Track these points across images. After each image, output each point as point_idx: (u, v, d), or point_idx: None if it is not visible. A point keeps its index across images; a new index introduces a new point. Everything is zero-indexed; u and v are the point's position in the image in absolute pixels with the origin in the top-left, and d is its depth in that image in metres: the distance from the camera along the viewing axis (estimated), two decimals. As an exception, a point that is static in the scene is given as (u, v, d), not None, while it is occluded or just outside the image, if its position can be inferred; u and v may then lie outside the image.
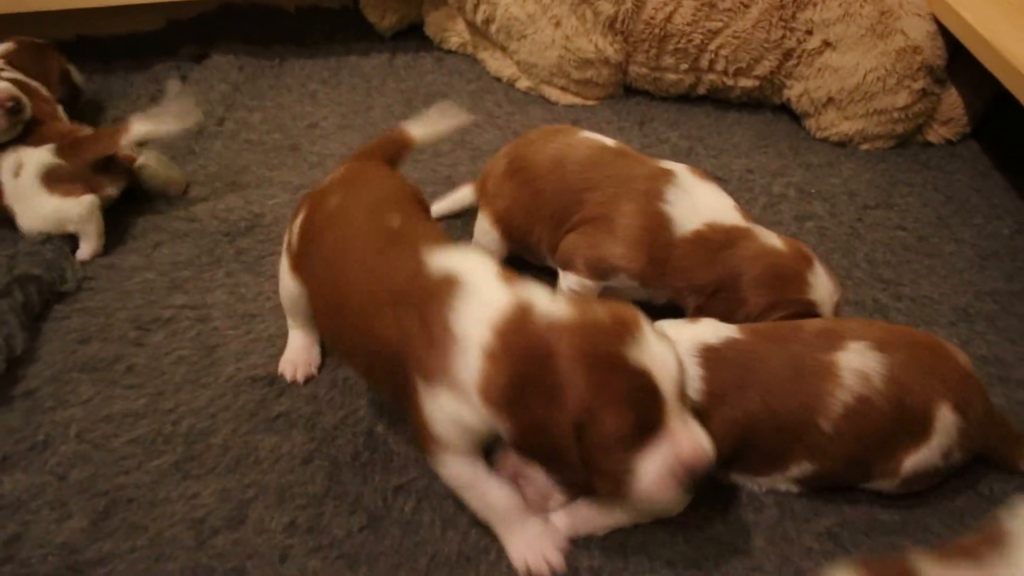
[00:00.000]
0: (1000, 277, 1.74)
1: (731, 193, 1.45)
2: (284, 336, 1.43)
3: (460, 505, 1.16)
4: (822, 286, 1.32)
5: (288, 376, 1.37)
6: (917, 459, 1.13)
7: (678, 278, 1.36)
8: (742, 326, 1.20)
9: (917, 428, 1.13)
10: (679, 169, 1.41)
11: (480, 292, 1.03)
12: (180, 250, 1.67)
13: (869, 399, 1.12)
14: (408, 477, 1.24)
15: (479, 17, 2.16)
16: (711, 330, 1.17)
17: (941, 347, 1.19)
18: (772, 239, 1.35)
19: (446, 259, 1.07)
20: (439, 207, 1.70)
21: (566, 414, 0.95)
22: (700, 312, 1.32)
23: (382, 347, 1.07)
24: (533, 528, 1.12)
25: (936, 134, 2.16)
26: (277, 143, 2.03)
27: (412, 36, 2.48)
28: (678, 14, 2.02)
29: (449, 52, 2.41)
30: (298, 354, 1.39)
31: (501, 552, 1.14)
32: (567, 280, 1.42)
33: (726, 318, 1.23)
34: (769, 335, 1.18)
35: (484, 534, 1.15)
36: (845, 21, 2.02)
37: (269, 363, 1.41)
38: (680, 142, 2.07)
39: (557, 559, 1.11)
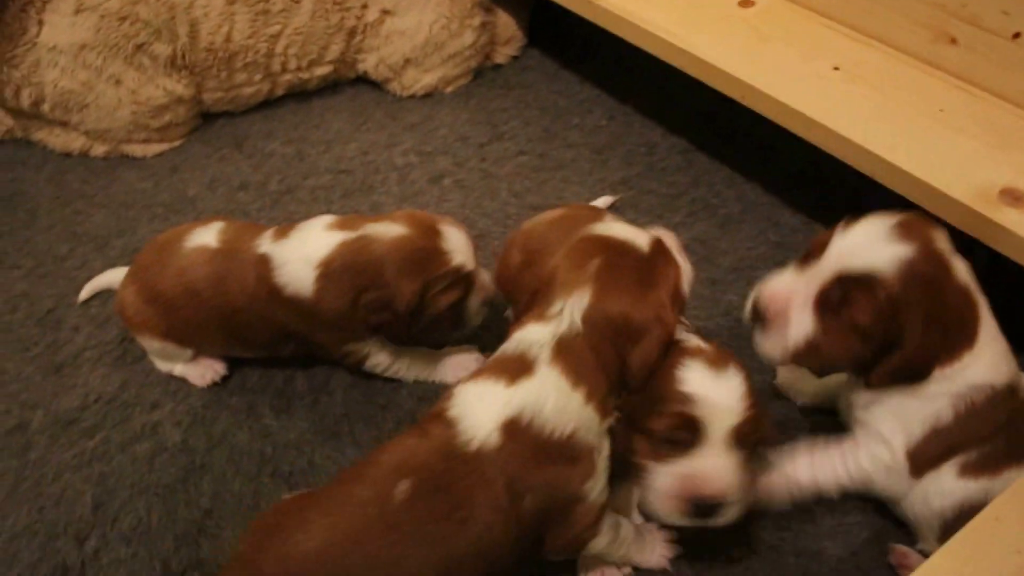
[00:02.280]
0: (620, 165, 2.32)
1: (360, 180, 1.81)
2: (35, 521, 1.58)
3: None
4: (459, 248, 1.61)
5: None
6: None
7: (352, 320, 1.62)
8: None
9: None
10: (268, 246, 1.66)
11: None
12: None
13: None
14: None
15: (25, 102, 2.32)
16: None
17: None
18: (391, 229, 1.60)
19: None
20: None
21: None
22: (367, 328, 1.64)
23: None
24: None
25: (502, 55, 2.72)
26: None
27: None
28: (235, 31, 2.35)
29: (-6, 144, 2.53)
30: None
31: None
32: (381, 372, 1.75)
33: (387, 319, 1.59)
34: None
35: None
36: (395, -15, 2.49)
37: (46, 553, 1.53)
38: (285, 149, 2.42)
39: None
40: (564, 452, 1.26)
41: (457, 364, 1.78)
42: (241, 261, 1.67)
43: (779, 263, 1.94)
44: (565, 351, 1.28)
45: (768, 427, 1.33)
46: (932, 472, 1.37)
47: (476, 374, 1.34)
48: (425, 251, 1.60)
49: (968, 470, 1.35)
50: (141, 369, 1.83)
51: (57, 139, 2.45)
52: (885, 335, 1.30)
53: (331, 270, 1.60)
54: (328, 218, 1.67)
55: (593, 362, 1.29)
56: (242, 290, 1.66)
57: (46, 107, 2.34)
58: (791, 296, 1.36)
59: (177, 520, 1.57)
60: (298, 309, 1.63)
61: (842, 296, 1.30)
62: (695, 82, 2.07)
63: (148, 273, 1.74)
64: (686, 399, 1.28)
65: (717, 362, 1.30)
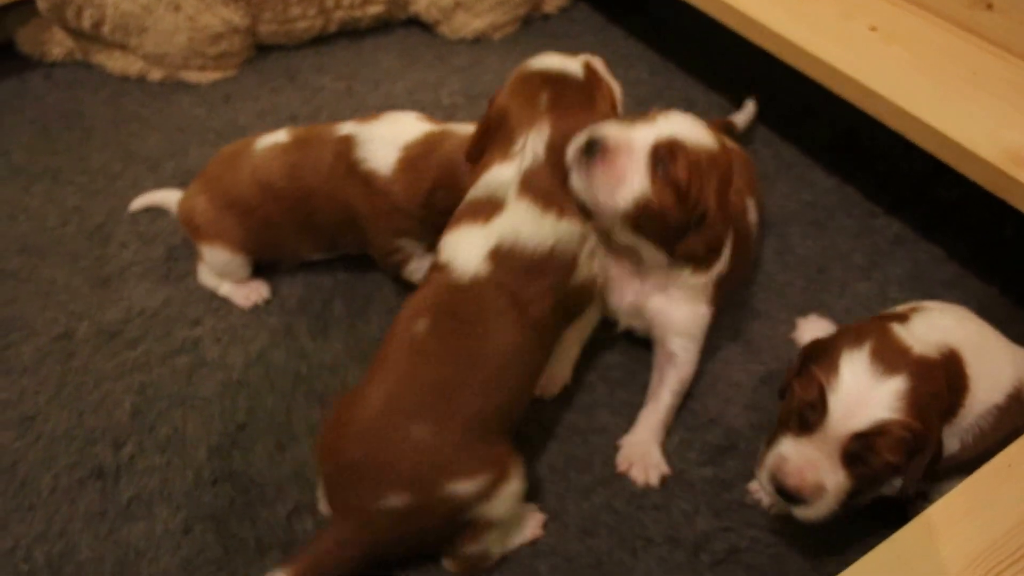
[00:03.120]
0: (658, 118, 2.25)
1: None
2: (74, 425, 1.57)
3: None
4: None
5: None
6: None
7: (420, 211, 1.61)
8: None
9: None
10: (351, 127, 1.67)
11: None
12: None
13: None
14: (292, 501, 1.45)
15: (86, 23, 2.29)
16: None
17: None
18: (467, 128, 1.60)
19: None
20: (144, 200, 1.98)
21: None
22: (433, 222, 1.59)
23: None
24: None
25: (551, 5, 2.66)
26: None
27: (5, 59, 2.50)
28: (296, -35, 2.31)
29: (55, 64, 2.49)
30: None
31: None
32: (418, 270, 1.69)
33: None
34: None
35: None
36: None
37: (83, 456, 1.53)
38: (336, 84, 2.38)
39: None
40: (551, 263, 1.38)
41: None
42: (317, 144, 1.67)
43: (811, 222, 1.93)
44: (530, 183, 1.39)
45: (898, 456, 1.20)
46: None
47: (454, 223, 1.43)
48: None
49: None
50: (185, 287, 1.81)
51: (116, 62, 2.42)
52: (694, 205, 1.37)
53: (413, 155, 1.61)
54: (416, 114, 1.69)
55: (558, 183, 1.39)
56: (316, 170, 1.65)
57: (106, 29, 2.31)
58: (631, 147, 1.36)
59: (211, 432, 1.56)
60: (370, 187, 1.62)
61: (669, 154, 1.35)
62: (737, 43, 2.02)
63: (220, 182, 1.72)
64: (830, 376, 1.23)
65: (886, 361, 1.22)
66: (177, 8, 2.27)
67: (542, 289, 1.37)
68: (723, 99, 2.31)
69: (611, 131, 1.35)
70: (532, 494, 1.46)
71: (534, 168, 1.39)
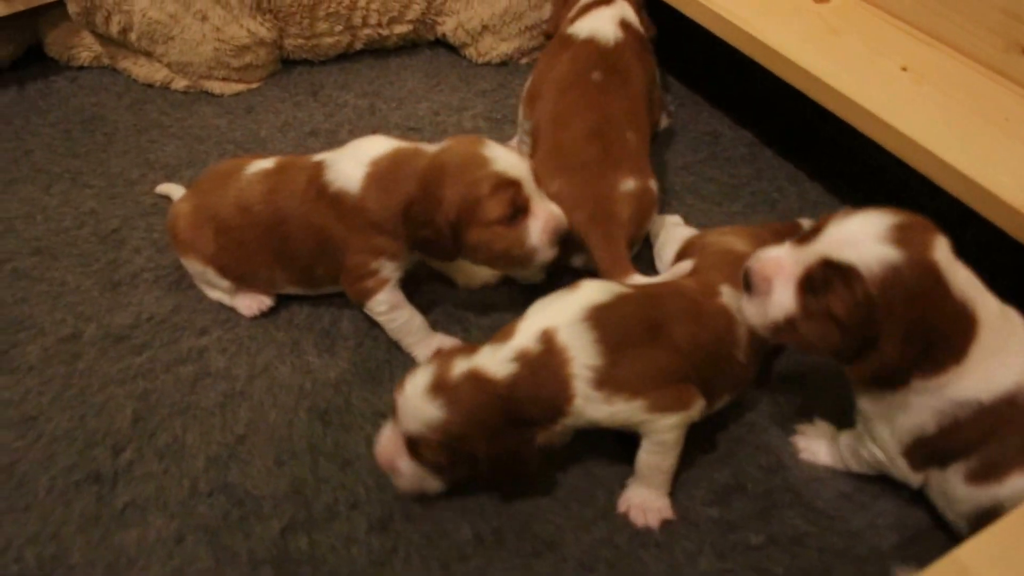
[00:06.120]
0: (685, 150, 2.25)
1: (428, 139, 1.77)
2: (75, 427, 1.58)
3: (350, 521, 1.44)
4: (503, 156, 1.55)
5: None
6: None
7: (397, 226, 1.58)
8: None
9: None
10: (323, 154, 1.67)
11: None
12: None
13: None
14: (287, 516, 1.45)
15: (114, 29, 2.31)
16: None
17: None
18: (440, 143, 1.60)
19: None
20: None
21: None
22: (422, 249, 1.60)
23: None
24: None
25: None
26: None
27: (34, 61, 2.52)
28: (325, -20, 2.33)
29: (82, 68, 2.51)
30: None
31: (408, 548, 1.41)
32: (380, 312, 1.67)
33: (429, 235, 1.54)
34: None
35: (384, 538, 1.42)
36: (481, -45, 2.44)
37: (82, 459, 1.53)
38: (359, 102, 2.38)
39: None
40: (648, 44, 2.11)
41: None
42: (294, 171, 1.67)
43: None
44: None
45: (442, 458, 1.35)
46: (938, 472, 1.35)
47: (578, 16, 2.06)
48: (464, 156, 1.55)
49: (974, 477, 1.30)
50: (194, 295, 1.81)
51: (141, 69, 2.44)
52: (862, 332, 1.23)
53: (381, 169, 1.59)
54: (384, 136, 1.67)
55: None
56: (291, 196, 1.64)
57: (133, 36, 2.33)
58: (779, 268, 1.29)
59: (211, 442, 1.56)
60: (340, 208, 1.60)
61: (824, 281, 1.24)
62: (766, 78, 2.00)
63: (207, 196, 1.73)
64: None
65: (440, 377, 1.35)
66: (204, 18, 2.28)
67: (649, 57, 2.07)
68: (749, 134, 2.30)
69: (760, 256, 1.34)
70: (531, 523, 1.45)
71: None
